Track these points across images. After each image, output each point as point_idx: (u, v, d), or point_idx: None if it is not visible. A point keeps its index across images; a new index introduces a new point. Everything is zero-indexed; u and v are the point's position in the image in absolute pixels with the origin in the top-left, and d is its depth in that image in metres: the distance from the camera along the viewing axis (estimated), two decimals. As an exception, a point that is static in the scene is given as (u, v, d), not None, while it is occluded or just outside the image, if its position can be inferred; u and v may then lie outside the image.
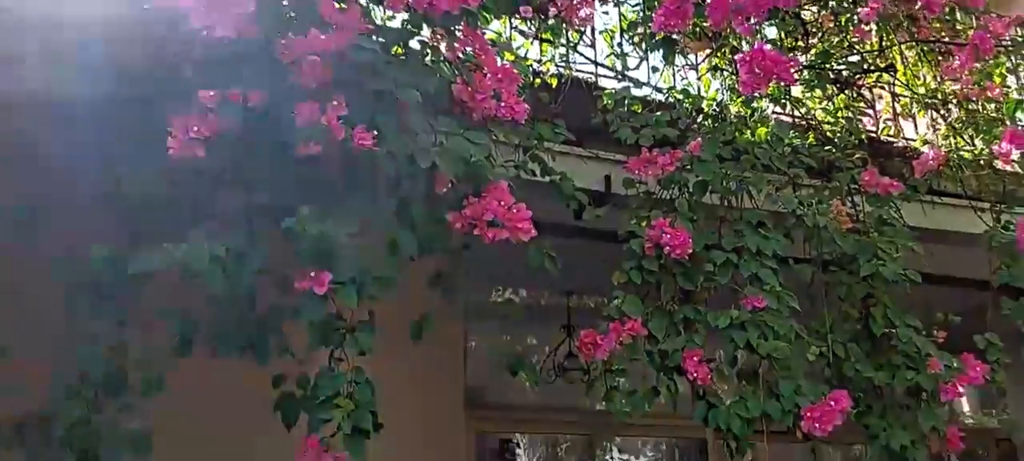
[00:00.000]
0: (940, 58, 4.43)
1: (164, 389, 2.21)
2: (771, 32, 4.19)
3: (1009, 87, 4.46)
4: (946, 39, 4.45)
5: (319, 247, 1.87)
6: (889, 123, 4.70)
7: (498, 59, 2.48)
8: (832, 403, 2.68)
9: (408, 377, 4.33)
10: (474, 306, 5.24)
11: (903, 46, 4.46)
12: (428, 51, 2.47)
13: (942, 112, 4.50)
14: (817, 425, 2.66)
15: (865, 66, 4.46)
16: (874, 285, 3.25)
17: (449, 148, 2.19)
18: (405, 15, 2.39)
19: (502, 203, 2.25)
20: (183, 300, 2.19)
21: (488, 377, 5.33)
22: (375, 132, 2.05)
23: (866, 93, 4.63)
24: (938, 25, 4.43)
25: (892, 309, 3.31)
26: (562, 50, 3.76)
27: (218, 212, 2.14)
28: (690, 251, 2.84)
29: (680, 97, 3.73)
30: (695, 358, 2.77)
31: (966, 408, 7.04)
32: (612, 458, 8.21)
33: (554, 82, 3.67)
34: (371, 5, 2.47)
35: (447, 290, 2.64)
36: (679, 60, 4.08)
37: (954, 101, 4.44)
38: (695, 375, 2.75)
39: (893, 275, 3.11)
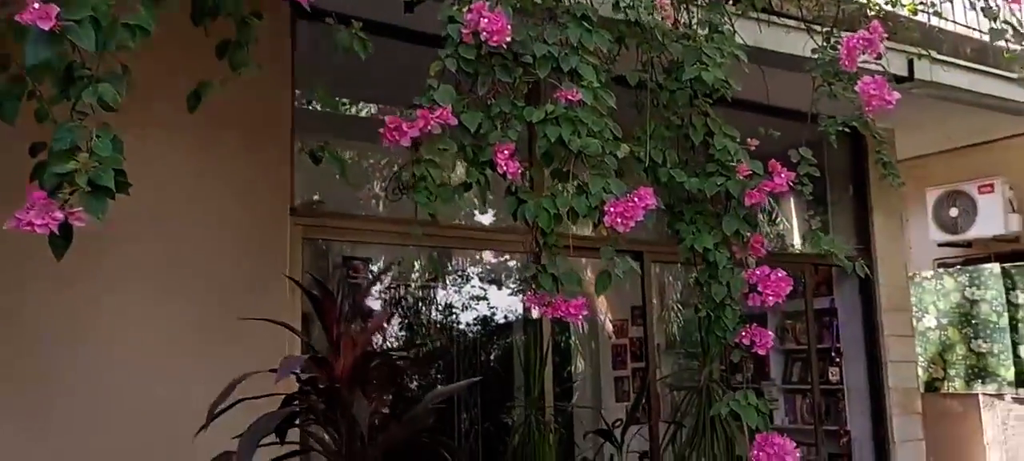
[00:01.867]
0: None
1: None
2: None
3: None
4: None
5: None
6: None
7: None
8: (636, 199, 2.68)
9: (228, 177, 4.14)
10: (316, 118, 5.00)
11: None
12: None
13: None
14: (620, 220, 2.67)
15: None
16: (697, 92, 3.24)
17: None
18: None
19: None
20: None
21: (327, 190, 5.17)
22: None
23: None
24: None
25: (713, 119, 3.33)
26: None
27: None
28: (508, 39, 2.71)
29: None
30: (506, 151, 2.69)
31: (797, 242, 7.48)
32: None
33: None
34: None
35: (236, 65, 2.41)
36: None
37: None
38: (505, 169, 2.68)
39: (714, 81, 3.10)
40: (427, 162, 2.66)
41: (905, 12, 4.72)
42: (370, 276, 6.97)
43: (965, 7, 5.75)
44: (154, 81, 3.06)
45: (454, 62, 2.74)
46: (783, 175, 3.10)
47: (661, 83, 3.33)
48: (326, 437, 2.56)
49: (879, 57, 3.49)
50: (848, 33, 3.80)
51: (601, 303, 9.13)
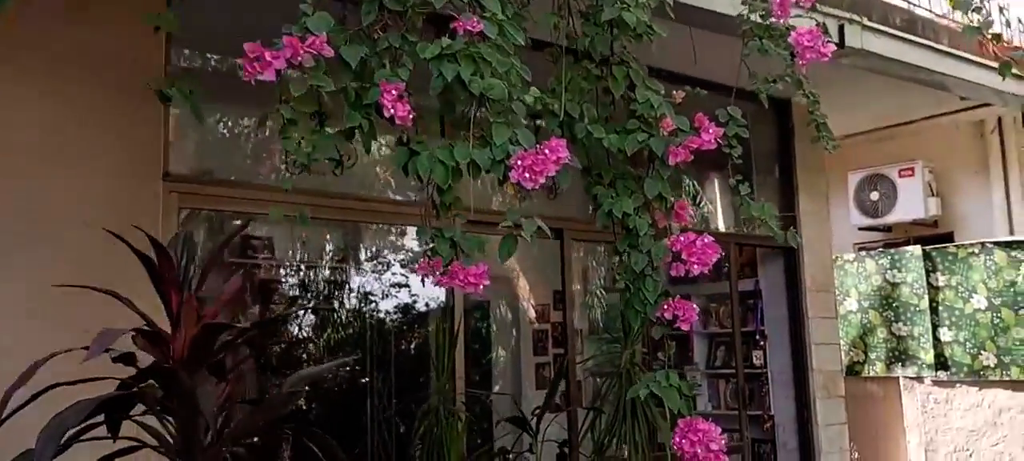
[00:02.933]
0: None
1: None
2: None
3: None
4: None
5: None
6: None
7: None
8: (546, 152, 2.31)
9: (89, 133, 3.63)
10: (205, 76, 4.48)
11: None
12: None
13: None
14: (528, 175, 2.30)
15: None
16: (618, 38, 2.89)
17: None
18: None
19: None
20: None
21: (228, 158, 4.68)
22: None
23: None
24: None
25: (635, 70, 2.99)
26: None
27: None
28: (397, -40, 2.31)
29: None
30: (393, 91, 2.28)
31: (721, 224, 7.27)
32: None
33: None
34: None
35: None
36: None
37: None
38: (392, 111, 2.28)
39: (636, 23, 2.75)
40: (298, 101, 2.23)
41: (836, -25, 4.49)
42: (268, 256, 6.47)
43: (893, -24, 5.58)
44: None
45: (333, -16, 2.32)
46: (711, 131, 2.77)
47: (578, 28, 2.96)
48: (163, 429, 2.11)
49: (813, 7, 3.20)
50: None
51: (522, 287, 8.79)
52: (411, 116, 2.32)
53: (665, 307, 2.73)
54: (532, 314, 8.71)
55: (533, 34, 3.08)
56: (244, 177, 4.61)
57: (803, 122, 6.49)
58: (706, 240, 2.68)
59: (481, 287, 2.31)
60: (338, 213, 4.84)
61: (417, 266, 2.42)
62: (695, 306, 2.73)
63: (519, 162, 2.29)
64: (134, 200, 3.71)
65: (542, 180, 2.32)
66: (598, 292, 8.67)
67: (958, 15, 5.62)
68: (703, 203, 7.66)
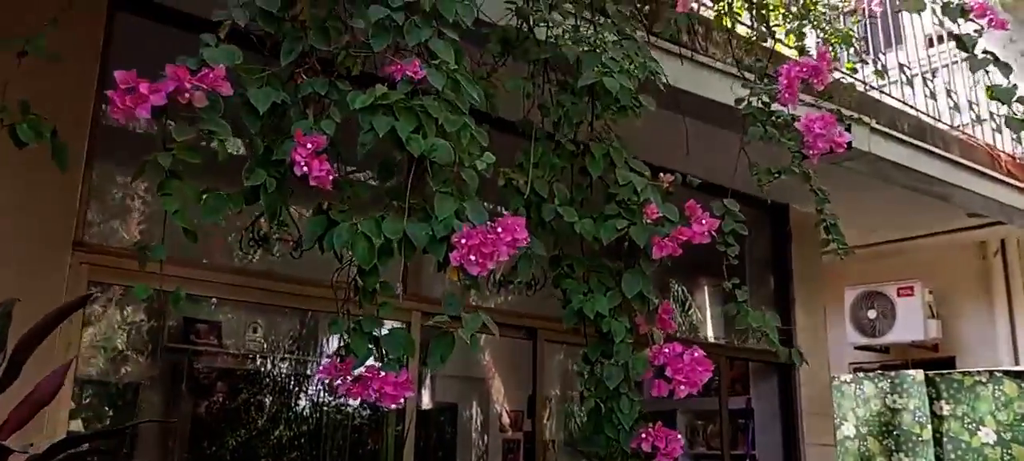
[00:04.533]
0: None
1: None
2: None
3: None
4: None
5: None
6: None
7: None
8: (499, 231, 1.83)
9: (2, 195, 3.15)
10: (133, 138, 4.02)
11: None
12: None
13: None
14: (474, 257, 1.80)
15: None
16: (598, 105, 2.45)
17: None
18: None
19: None
20: None
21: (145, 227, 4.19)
22: None
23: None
24: None
25: (616, 148, 2.54)
26: None
27: None
28: (326, -12, 1.87)
29: None
30: (309, 146, 1.81)
31: (710, 334, 6.77)
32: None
33: None
34: None
35: None
36: None
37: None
38: (305, 169, 1.80)
39: (619, 91, 2.31)
40: (181, 149, 1.75)
41: (845, 68, 4.12)
42: (214, 343, 5.89)
43: (901, 82, 5.24)
44: None
45: (245, 14, 1.87)
46: (705, 221, 2.30)
47: (553, 95, 2.53)
48: None
49: (825, 92, 2.78)
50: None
51: (497, 389, 8.21)
52: (331, 177, 1.84)
53: (643, 435, 2.20)
54: (505, 420, 8.09)
55: (503, 112, 2.67)
56: (170, 251, 4.11)
57: (802, 228, 6.12)
58: (696, 354, 2.17)
59: (401, 400, 1.79)
60: (289, 300, 4.31)
61: (321, 368, 1.91)
62: (681, 436, 2.20)
63: (463, 241, 1.81)
64: (37, 270, 3.21)
65: (491, 265, 1.82)
66: (579, 398, 8.07)
67: (969, 123, 5.27)
68: (692, 309, 7.19)
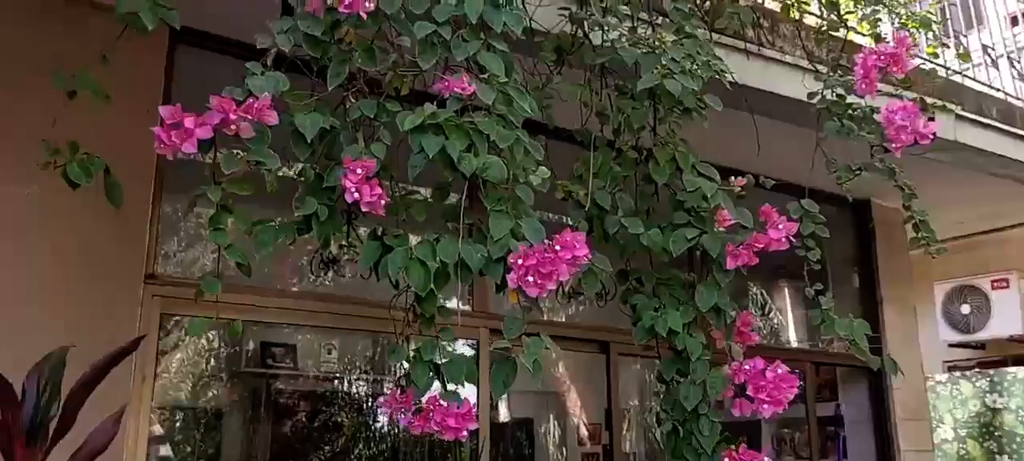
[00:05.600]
0: None
1: None
2: None
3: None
4: None
5: None
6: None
7: None
8: (558, 249, 1.73)
9: (62, 228, 3.19)
10: (196, 168, 4.07)
11: None
12: None
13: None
14: (533, 278, 1.71)
15: None
16: (660, 109, 2.33)
17: None
18: None
19: None
20: None
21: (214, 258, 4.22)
22: None
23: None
24: None
25: (683, 153, 2.41)
26: None
27: None
28: (372, 7, 1.80)
29: None
30: (359, 171, 1.75)
31: (793, 338, 6.52)
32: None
33: None
34: None
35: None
36: None
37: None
38: (357, 196, 1.74)
39: (681, 92, 2.18)
40: (232, 183, 1.70)
41: (925, 53, 3.89)
42: (292, 366, 5.93)
43: (985, 64, 4.95)
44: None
45: (290, 39, 1.82)
46: (781, 226, 2.15)
47: (612, 101, 2.42)
48: None
49: (905, 80, 2.60)
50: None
51: (573, 403, 8.07)
52: (383, 202, 1.78)
53: (727, 458, 2.06)
54: (583, 433, 7.95)
55: (561, 123, 2.58)
56: (242, 280, 4.14)
57: (886, 224, 5.84)
58: (779, 371, 2.03)
59: (464, 432, 1.70)
60: (360, 322, 4.28)
61: (383, 401, 1.84)
62: (768, 458, 2.06)
63: (520, 261, 1.72)
64: (111, 305, 3.24)
65: (551, 285, 1.73)
66: (656, 420, 7.86)
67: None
68: (772, 313, 6.95)
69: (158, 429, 6.14)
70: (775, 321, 6.97)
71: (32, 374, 1.59)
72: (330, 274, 4.75)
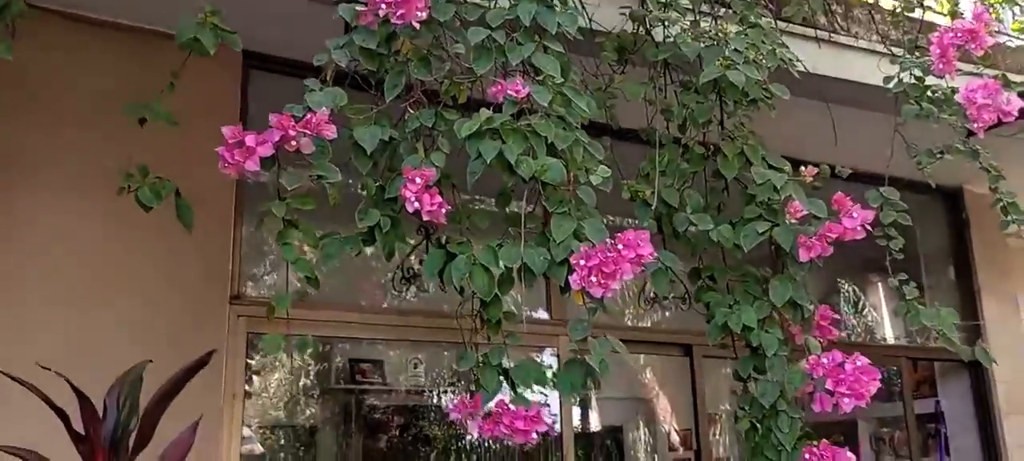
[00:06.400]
0: None
1: None
2: None
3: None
4: None
5: None
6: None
7: None
8: (620, 248, 1.71)
9: (147, 254, 3.33)
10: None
11: None
12: None
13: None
14: (595, 277, 1.70)
15: None
16: (726, 102, 2.29)
17: None
18: None
19: None
20: None
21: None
22: None
23: None
24: None
25: (752, 145, 2.36)
26: None
27: None
28: (423, 15, 1.82)
29: None
30: (418, 180, 1.77)
31: (889, 335, 6.28)
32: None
33: None
34: None
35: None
36: None
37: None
38: (417, 205, 1.76)
39: (745, 83, 2.13)
40: (297, 199, 1.75)
41: (1011, 31, 3.70)
42: (380, 381, 6.02)
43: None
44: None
45: (346, 54, 1.86)
46: (855, 215, 2.08)
47: (677, 97, 2.38)
48: None
49: (987, 58, 2.48)
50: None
51: (663, 407, 7.95)
52: (444, 211, 1.79)
53: (807, 456, 2.00)
54: (674, 439, 7.82)
55: (626, 123, 2.55)
56: (322, 298, 4.23)
57: (980, 212, 5.57)
58: (860, 363, 1.95)
59: (533, 436, 1.70)
60: (441, 334, 4.32)
61: (452, 407, 1.85)
62: (850, 455, 1.98)
63: (582, 262, 1.70)
64: (198, 326, 3.36)
65: (615, 285, 1.71)
66: (734, 418, 7.66)
67: None
68: (866, 310, 6.71)
69: (259, 447, 6.34)
70: (869, 318, 6.72)
71: (113, 390, 1.67)
72: (412, 291, 4.83)
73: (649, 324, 5.62)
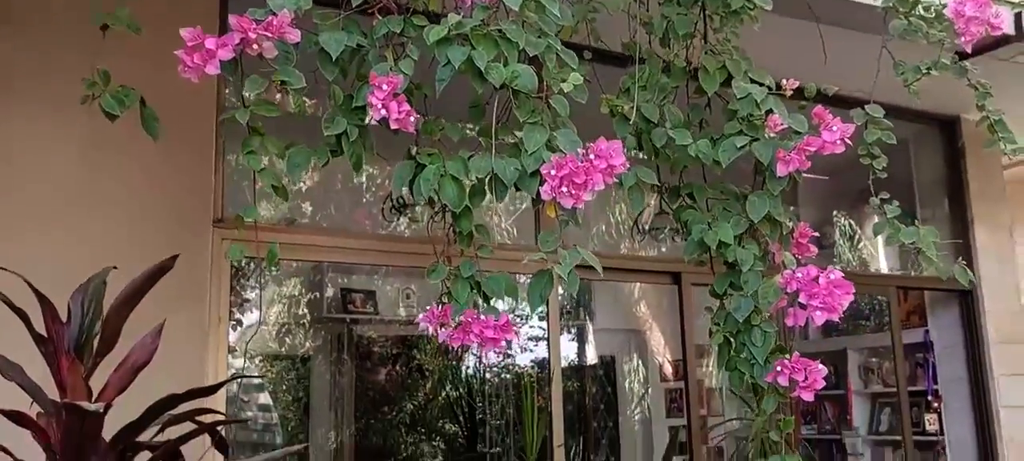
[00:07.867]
0: None
1: None
2: None
3: None
4: None
5: None
6: None
7: None
8: (592, 157, 1.68)
9: (128, 176, 3.30)
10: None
11: None
12: None
13: None
14: (566, 188, 1.67)
15: None
16: (711, 18, 2.23)
17: None
18: None
19: None
20: None
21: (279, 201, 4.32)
22: None
23: None
24: None
25: (735, 60, 2.31)
26: None
27: None
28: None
29: None
30: (385, 87, 1.73)
31: (884, 266, 6.28)
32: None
33: None
34: None
35: None
36: None
37: None
38: (383, 113, 1.72)
39: (726, -9, 2.08)
40: (260, 105, 1.71)
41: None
42: (372, 311, 6.05)
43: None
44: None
45: (311, -44, 1.80)
46: (835, 128, 2.04)
47: (664, 10, 2.33)
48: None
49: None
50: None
51: (656, 339, 8.01)
52: (413, 119, 1.76)
53: (780, 368, 1.99)
54: (667, 370, 7.90)
55: (609, 42, 2.50)
56: (306, 221, 4.21)
57: (977, 141, 5.52)
58: (833, 276, 1.94)
59: (502, 343, 1.69)
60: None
61: (421, 316, 1.84)
62: (822, 366, 1.98)
63: (553, 172, 1.67)
64: (182, 249, 3.34)
65: (586, 195, 1.68)
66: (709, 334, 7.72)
67: None
68: (861, 242, 6.71)
69: (255, 375, 6.41)
70: (864, 251, 6.72)
71: (77, 295, 1.65)
72: (403, 219, 4.82)
73: (642, 254, 5.63)
